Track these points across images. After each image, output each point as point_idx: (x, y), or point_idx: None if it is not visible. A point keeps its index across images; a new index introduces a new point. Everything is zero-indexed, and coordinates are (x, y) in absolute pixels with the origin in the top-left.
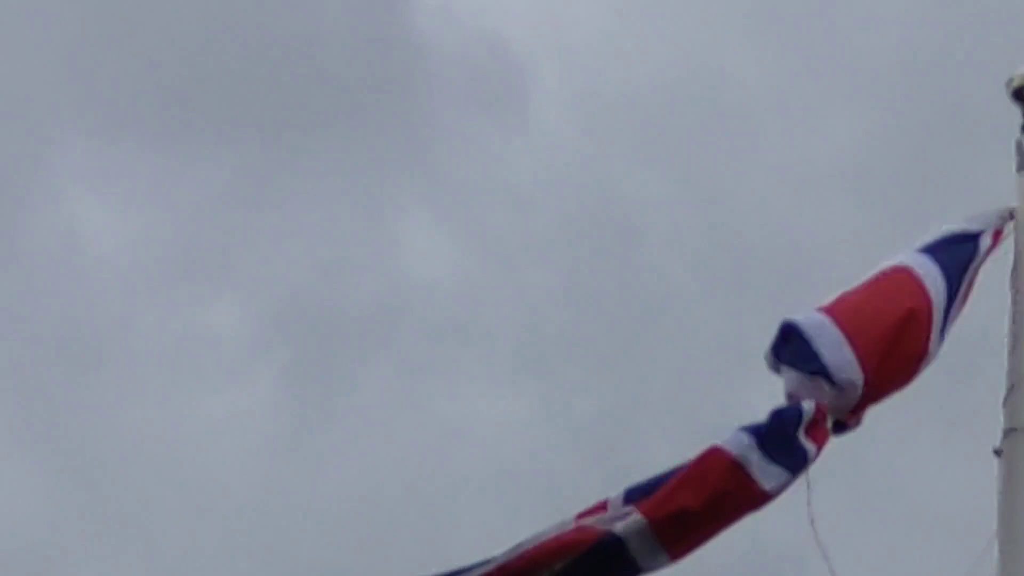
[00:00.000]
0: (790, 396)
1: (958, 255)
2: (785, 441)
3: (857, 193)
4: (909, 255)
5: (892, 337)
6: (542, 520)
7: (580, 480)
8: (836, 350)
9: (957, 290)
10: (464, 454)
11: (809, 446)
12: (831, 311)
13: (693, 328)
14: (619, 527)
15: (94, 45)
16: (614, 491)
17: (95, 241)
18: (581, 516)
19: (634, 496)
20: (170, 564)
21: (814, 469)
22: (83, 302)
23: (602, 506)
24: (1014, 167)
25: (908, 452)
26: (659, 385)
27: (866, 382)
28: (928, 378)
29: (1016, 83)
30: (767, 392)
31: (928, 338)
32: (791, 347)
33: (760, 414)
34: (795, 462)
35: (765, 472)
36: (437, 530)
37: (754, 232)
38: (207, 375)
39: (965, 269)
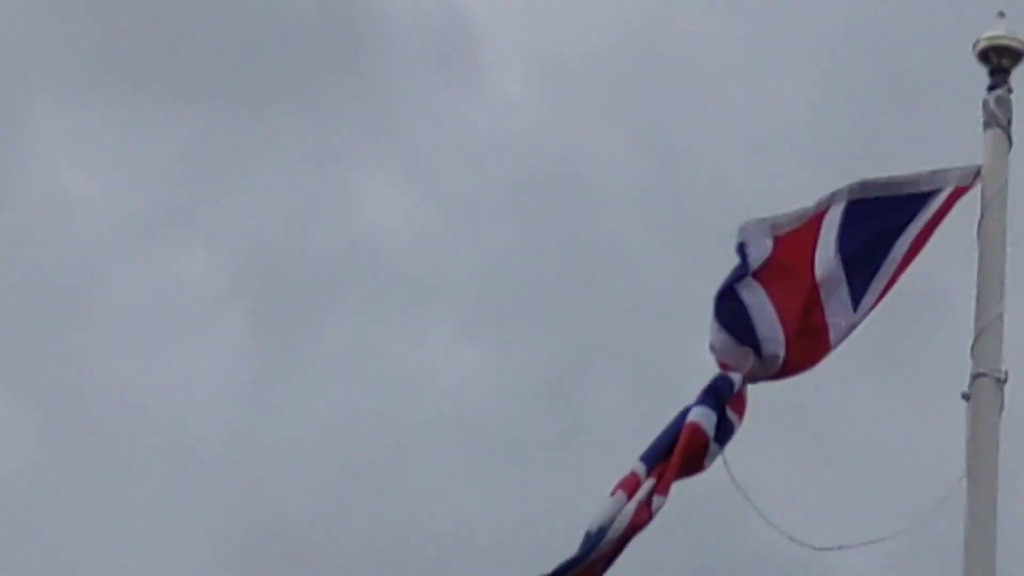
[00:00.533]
0: (721, 364)
1: (894, 219)
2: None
3: (807, 151)
4: (834, 215)
5: (803, 314)
6: (501, 463)
7: (538, 425)
8: (770, 325)
9: (885, 255)
10: (425, 401)
11: (734, 418)
12: (762, 279)
13: (646, 280)
14: (654, 505)
15: (68, 15)
16: (634, 460)
17: (72, 198)
18: (620, 488)
19: (651, 463)
20: (150, 499)
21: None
22: (61, 255)
23: (633, 479)
24: (980, 125)
25: (880, 398)
26: (613, 334)
27: (786, 358)
28: (903, 327)
29: (982, 45)
30: None
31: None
32: (729, 306)
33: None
34: (724, 437)
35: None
36: (401, 473)
37: (706, 188)
38: (178, 322)
39: (899, 232)
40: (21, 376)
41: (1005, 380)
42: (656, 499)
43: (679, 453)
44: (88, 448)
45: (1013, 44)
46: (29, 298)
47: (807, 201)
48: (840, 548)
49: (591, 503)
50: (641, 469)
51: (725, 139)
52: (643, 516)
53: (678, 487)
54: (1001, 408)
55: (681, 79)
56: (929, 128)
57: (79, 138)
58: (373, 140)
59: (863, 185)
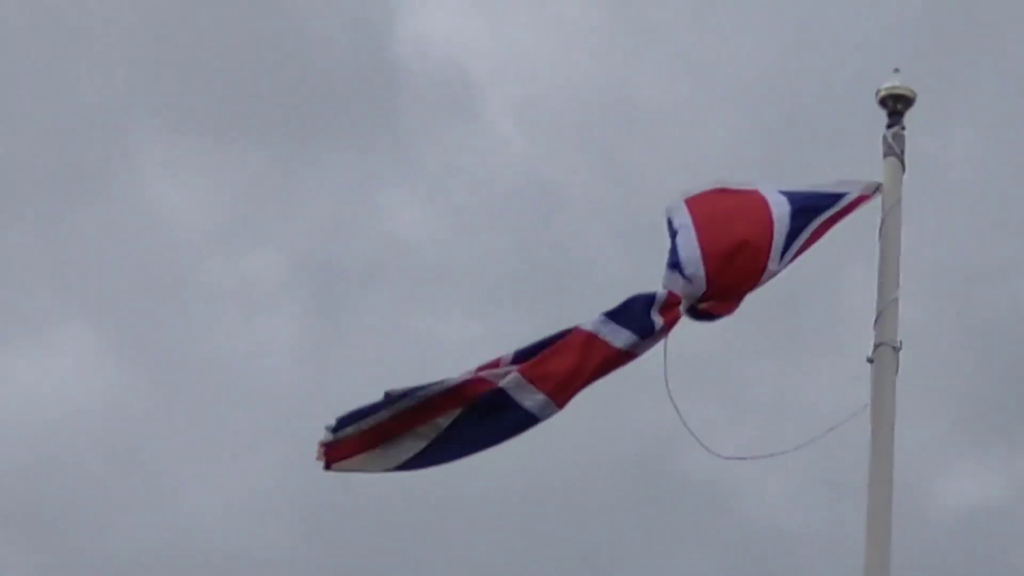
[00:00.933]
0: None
1: (814, 201)
2: (634, 314)
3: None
4: (769, 189)
5: (733, 250)
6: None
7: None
8: (690, 248)
9: (804, 226)
10: (440, 366)
11: (657, 318)
12: (692, 207)
13: (607, 278)
14: (503, 381)
15: (171, 66)
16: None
17: (170, 211)
18: (480, 369)
19: (520, 357)
20: (237, 438)
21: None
22: (163, 254)
23: (496, 363)
24: (880, 154)
25: (801, 360)
26: (580, 317)
27: (708, 279)
28: (820, 308)
29: (882, 93)
30: None
31: (765, 260)
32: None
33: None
34: (642, 327)
35: (615, 335)
36: None
37: (657, 205)
38: (252, 306)
39: (817, 212)
40: (137, 349)
41: (900, 348)
42: (508, 381)
43: (555, 346)
44: (189, 403)
45: (906, 93)
46: (139, 288)
47: None
48: (745, 459)
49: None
50: (507, 357)
51: (668, 165)
52: (478, 387)
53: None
54: (896, 369)
55: (636, 118)
56: (836, 158)
57: (172, 164)
58: (397, 167)
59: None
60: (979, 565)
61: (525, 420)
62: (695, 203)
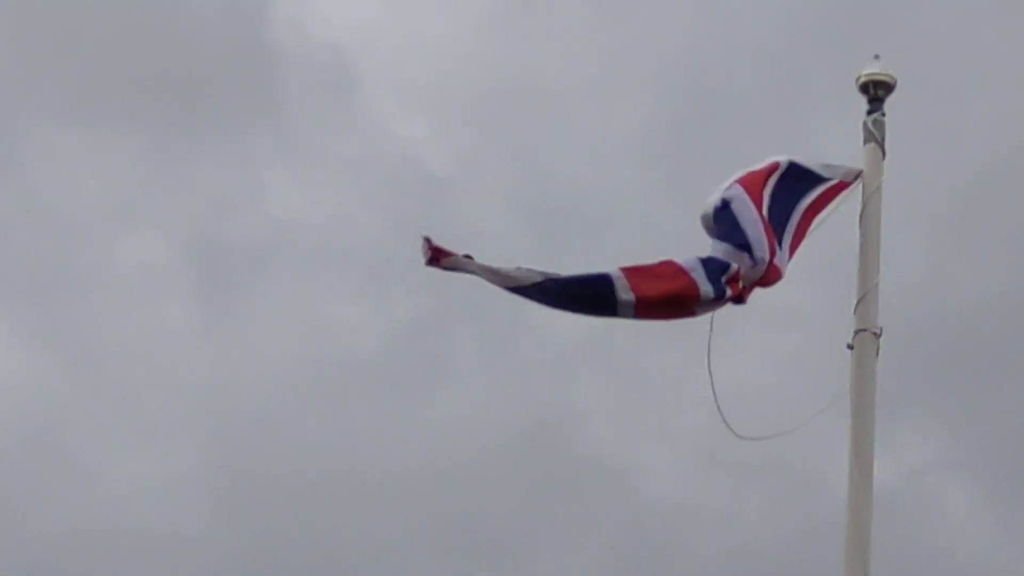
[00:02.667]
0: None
1: (796, 189)
2: (715, 274)
3: (643, 160)
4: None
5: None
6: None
7: (407, 360)
8: (757, 231)
9: (790, 214)
10: (333, 347)
11: (726, 288)
12: (747, 186)
13: (500, 256)
14: (610, 268)
15: (41, 50)
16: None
17: (53, 196)
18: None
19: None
20: (147, 419)
21: None
22: (50, 240)
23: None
24: (861, 141)
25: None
26: (470, 295)
27: (768, 264)
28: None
29: (862, 79)
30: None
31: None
32: (723, 222)
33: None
34: (718, 290)
35: (703, 282)
36: (329, 404)
37: (552, 184)
38: (144, 289)
39: (801, 195)
40: (37, 333)
41: (880, 334)
42: (613, 270)
43: (665, 279)
44: (98, 385)
45: (886, 79)
46: (34, 274)
47: (642, 201)
48: (760, 439)
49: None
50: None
51: (578, 150)
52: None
53: None
54: (876, 354)
55: (533, 100)
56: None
57: (57, 151)
58: (279, 150)
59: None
60: None
61: (609, 306)
62: (747, 184)
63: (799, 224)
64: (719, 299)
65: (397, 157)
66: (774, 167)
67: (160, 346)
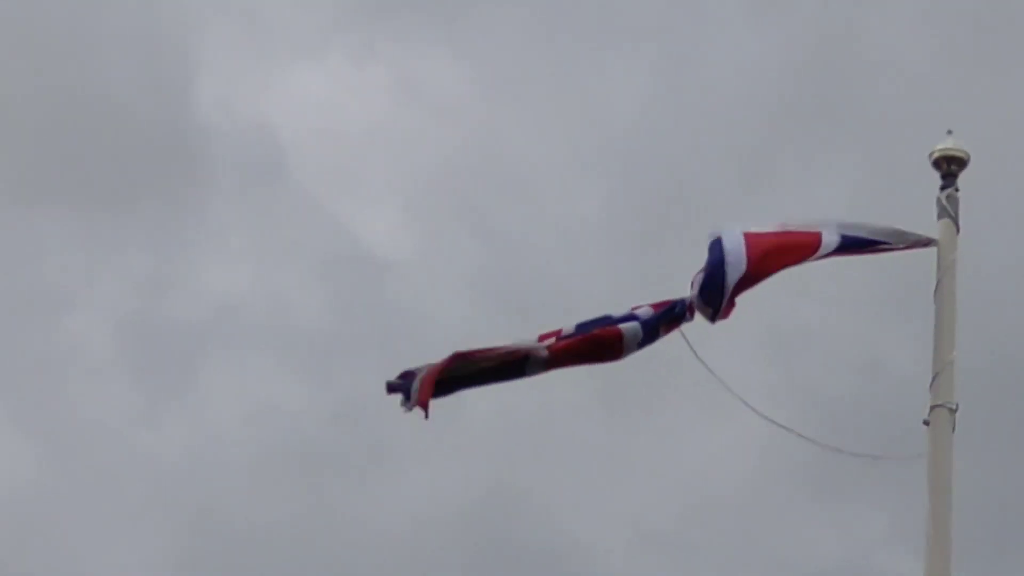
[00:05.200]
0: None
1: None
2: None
3: (605, 241)
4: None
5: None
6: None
7: (342, 445)
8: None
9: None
10: (275, 427)
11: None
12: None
13: (445, 333)
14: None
15: None
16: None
17: None
18: (541, 337)
19: (582, 328)
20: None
21: None
22: None
23: (557, 332)
24: (935, 215)
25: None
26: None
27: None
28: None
29: (936, 155)
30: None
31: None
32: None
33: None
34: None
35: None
36: (273, 485)
37: (526, 267)
38: (83, 371)
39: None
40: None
41: (956, 410)
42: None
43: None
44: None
45: (959, 154)
46: None
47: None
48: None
49: None
50: (569, 329)
51: (543, 229)
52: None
53: None
54: (953, 429)
55: (475, 177)
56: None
57: None
58: (209, 231)
59: (846, 223)
60: None
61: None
62: (752, 239)
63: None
64: (648, 340)
65: (334, 237)
66: (814, 241)
67: (112, 429)
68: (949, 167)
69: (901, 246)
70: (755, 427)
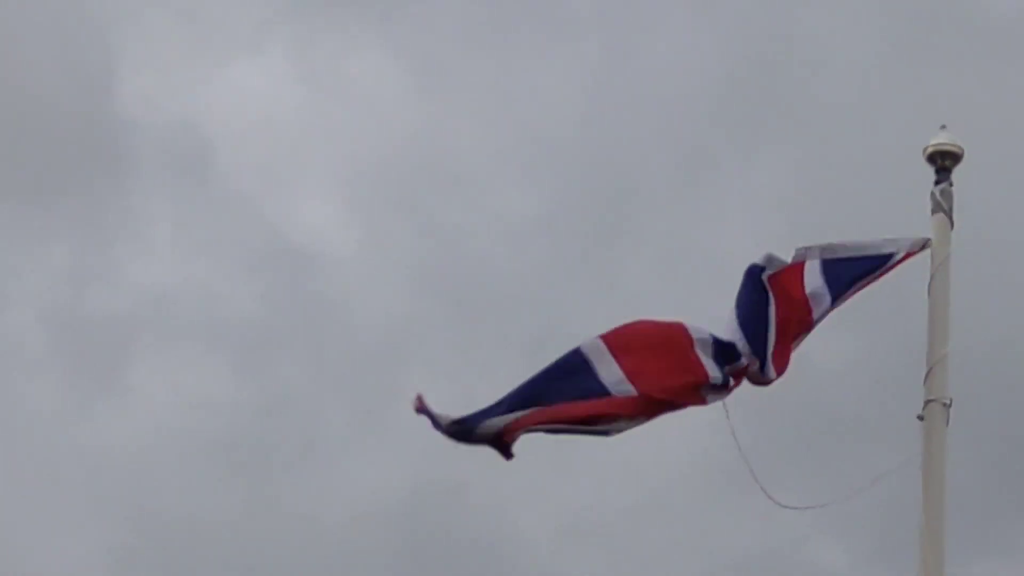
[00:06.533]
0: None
1: (856, 270)
2: (721, 358)
3: (546, 236)
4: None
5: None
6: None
7: (273, 437)
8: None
9: (842, 292)
10: (205, 420)
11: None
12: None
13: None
14: (581, 341)
15: None
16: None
17: None
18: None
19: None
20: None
21: None
22: None
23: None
24: (928, 210)
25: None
26: (341, 366)
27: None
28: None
29: (930, 150)
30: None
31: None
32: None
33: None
34: (724, 378)
35: (711, 366)
36: (203, 478)
37: (466, 262)
38: (5, 369)
39: (859, 280)
40: None
41: (950, 405)
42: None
43: (665, 351)
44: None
45: (953, 149)
46: None
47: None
48: (807, 508)
49: None
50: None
51: (485, 224)
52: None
53: None
54: (947, 423)
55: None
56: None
57: None
58: (134, 224)
59: (832, 246)
60: None
61: (595, 390)
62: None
63: (859, 287)
64: (723, 389)
65: (265, 231)
66: (800, 265)
67: (34, 422)
68: (943, 162)
69: (898, 259)
70: (687, 422)
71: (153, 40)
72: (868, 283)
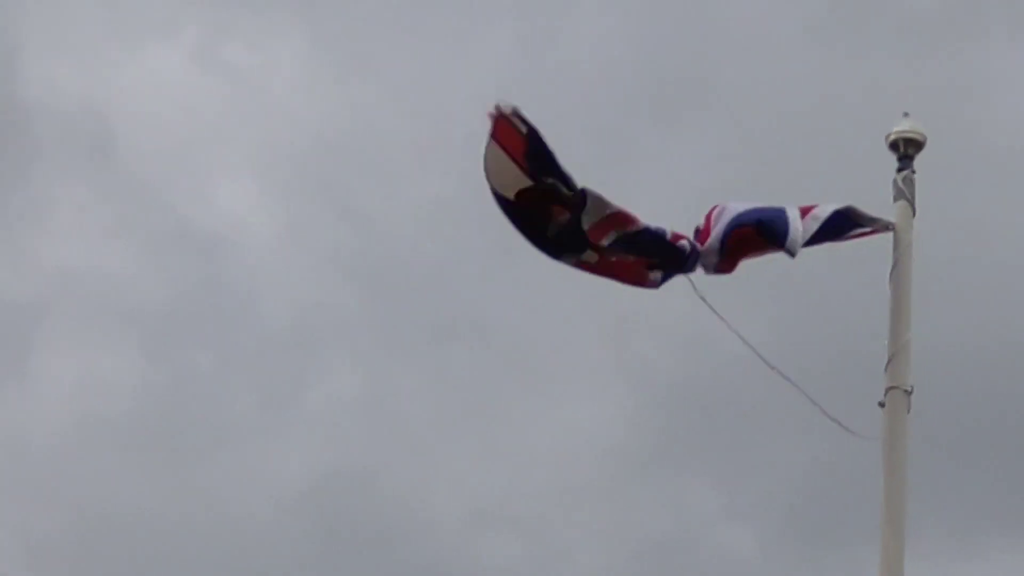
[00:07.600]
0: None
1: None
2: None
3: (464, 220)
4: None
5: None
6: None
7: (180, 424)
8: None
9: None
10: (110, 403)
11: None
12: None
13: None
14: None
15: None
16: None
17: None
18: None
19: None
20: None
21: None
22: None
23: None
24: (891, 198)
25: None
26: (250, 351)
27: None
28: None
29: (892, 137)
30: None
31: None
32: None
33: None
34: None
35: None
36: (106, 462)
37: (383, 246)
38: None
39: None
40: None
41: (911, 392)
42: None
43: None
44: None
45: (916, 136)
46: None
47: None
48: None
49: None
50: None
51: (404, 209)
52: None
53: None
54: (908, 411)
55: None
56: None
57: None
58: (36, 208)
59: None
60: None
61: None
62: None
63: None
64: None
65: (173, 215)
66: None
67: None
68: (906, 149)
69: (863, 230)
70: (599, 408)
71: (63, 22)
72: (843, 238)
